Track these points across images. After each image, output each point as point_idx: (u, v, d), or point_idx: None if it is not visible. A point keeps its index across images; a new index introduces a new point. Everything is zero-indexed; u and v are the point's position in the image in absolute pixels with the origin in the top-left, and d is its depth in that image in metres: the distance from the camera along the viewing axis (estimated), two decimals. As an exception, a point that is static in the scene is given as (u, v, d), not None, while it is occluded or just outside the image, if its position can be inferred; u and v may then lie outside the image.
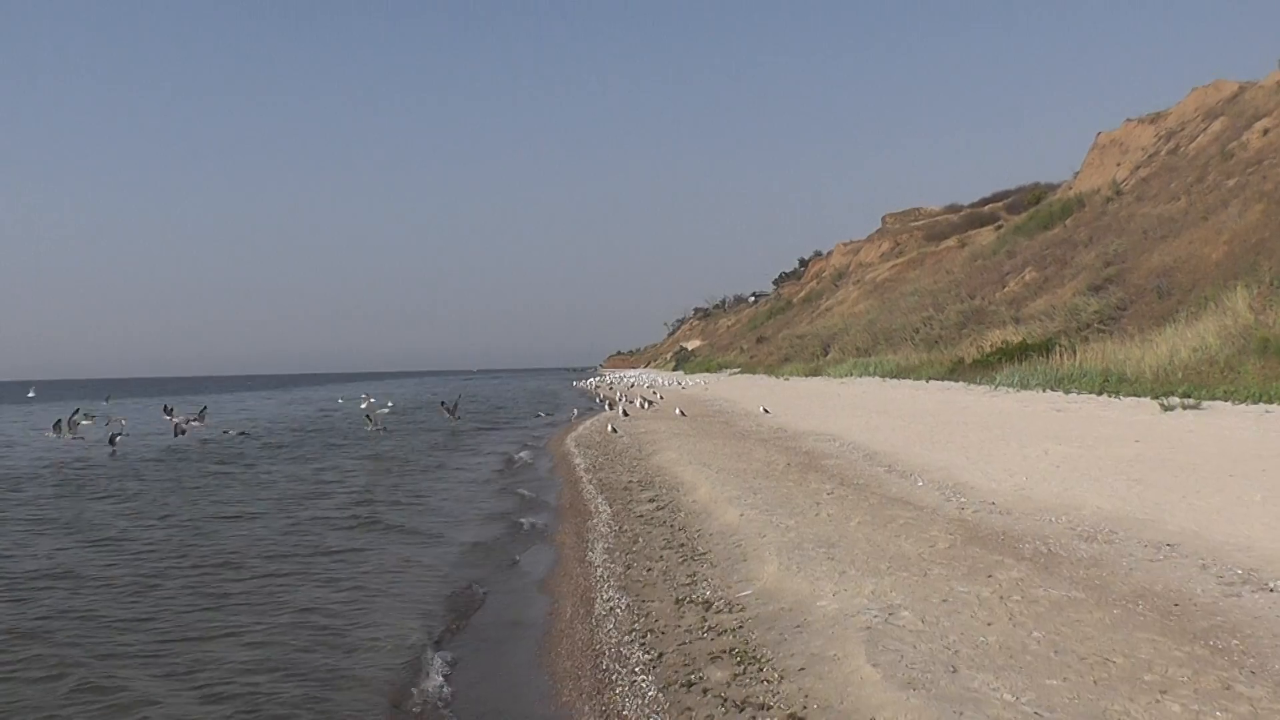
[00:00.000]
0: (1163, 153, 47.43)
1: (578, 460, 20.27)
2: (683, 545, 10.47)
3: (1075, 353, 29.30)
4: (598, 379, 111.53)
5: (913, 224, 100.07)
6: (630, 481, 15.87)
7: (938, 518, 10.69)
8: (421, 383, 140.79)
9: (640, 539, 11.16)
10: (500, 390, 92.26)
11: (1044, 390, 26.91)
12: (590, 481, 16.46)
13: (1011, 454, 15.08)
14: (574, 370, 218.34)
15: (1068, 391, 25.70)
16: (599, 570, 9.92)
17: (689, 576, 9.02)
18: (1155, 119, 55.05)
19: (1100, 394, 23.94)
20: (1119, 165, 55.43)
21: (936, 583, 7.57)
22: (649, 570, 9.55)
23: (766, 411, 29.88)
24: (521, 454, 23.58)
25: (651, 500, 13.64)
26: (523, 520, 13.96)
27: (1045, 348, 31.02)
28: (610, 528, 12.13)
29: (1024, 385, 28.52)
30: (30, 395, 71.38)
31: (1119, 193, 47.57)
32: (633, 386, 70.94)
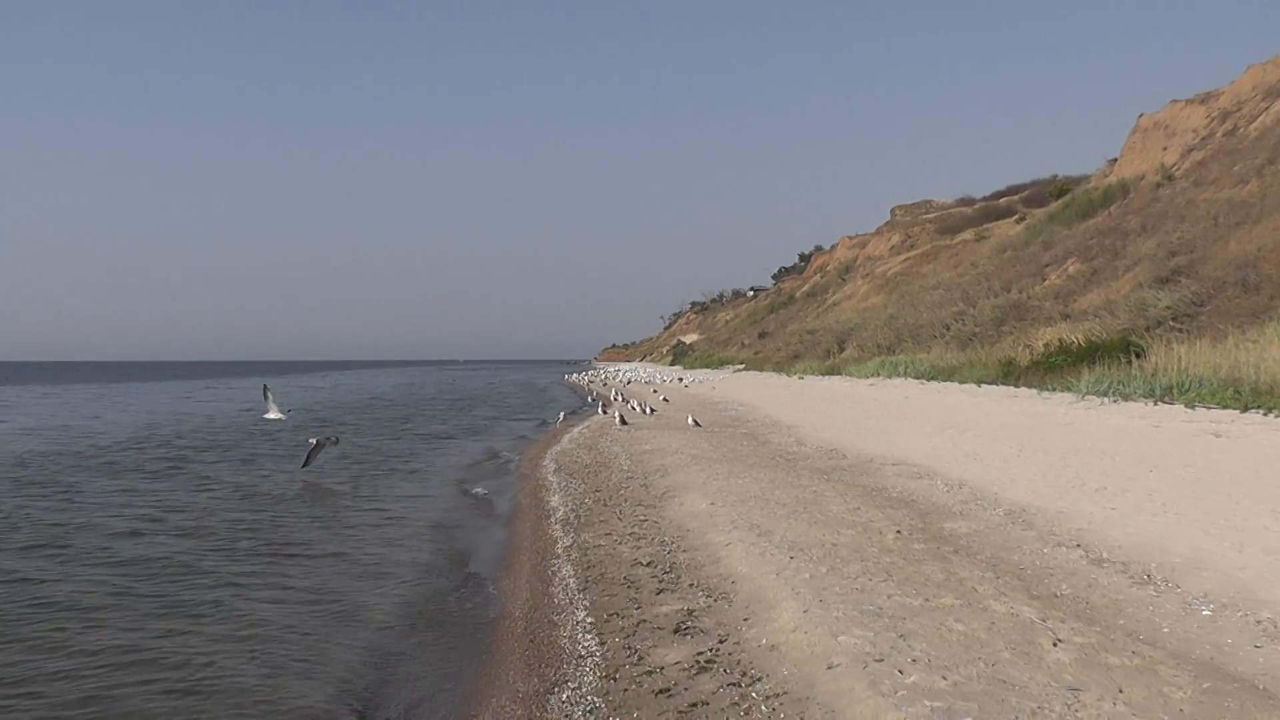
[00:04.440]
0: (1219, 134, 44.82)
1: (554, 501, 13.65)
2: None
3: (1149, 355, 24.11)
4: (591, 373, 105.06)
5: (924, 217, 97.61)
6: (637, 562, 9.23)
7: None
8: (399, 374, 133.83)
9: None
10: (484, 383, 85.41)
11: (1153, 403, 20.82)
12: (569, 557, 9.80)
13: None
14: (567, 363, 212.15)
15: (1190, 406, 19.67)
16: None
17: None
18: (1206, 99, 51.93)
19: (1244, 411, 17.99)
20: (1165, 149, 51.73)
21: None
22: None
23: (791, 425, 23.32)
24: (476, 489, 16.88)
25: (684, 631, 6.95)
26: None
27: (1120, 348, 25.53)
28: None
29: (1121, 394, 22.48)
30: None
31: (1170, 178, 43.75)
32: (630, 383, 64.63)
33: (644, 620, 7.33)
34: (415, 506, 14.58)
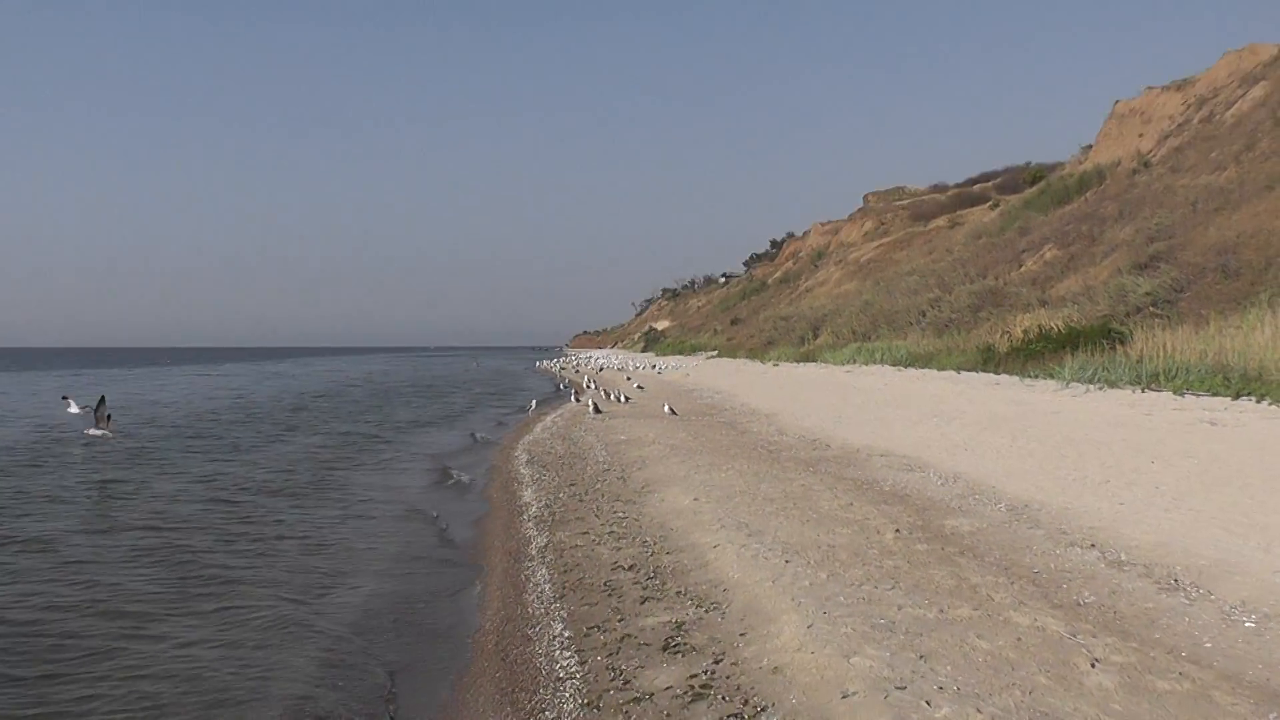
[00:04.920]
0: (1195, 121, 45.21)
1: (527, 495, 12.84)
2: None
3: (1132, 341, 23.83)
4: (563, 359, 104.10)
5: (897, 203, 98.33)
6: (618, 565, 8.46)
7: None
8: (368, 361, 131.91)
9: None
10: (455, 370, 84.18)
11: (1140, 390, 20.41)
12: (544, 559, 9.01)
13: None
14: (538, 350, 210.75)
15: (1179, 393, 19.24)
16: None
17: None
18: (1182, 86, 52.37)
19: (1235, 398, 17.58)
20: (1141, 136, 52.19)
21: None
22: None
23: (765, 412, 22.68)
24: (446, 480, 16.01)
25: (674, 648, 6.20)
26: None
27: (1102, 335, 25.20)
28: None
29: (1107, 381, 22.04)
30: None
31: (1147, 164, 44.02)
32: (602, 370, 63.85)
33: (629, 635, 6.58)
34: (380, 500, 13.72)
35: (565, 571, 8.46)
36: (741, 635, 6.27)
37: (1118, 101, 54.91)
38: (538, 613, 7.43)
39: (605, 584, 7.90)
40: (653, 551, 8.86)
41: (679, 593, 7.44)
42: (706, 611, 6.89)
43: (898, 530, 9.26)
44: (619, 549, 9.11)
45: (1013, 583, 7.26)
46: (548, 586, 8.01)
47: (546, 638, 6.80)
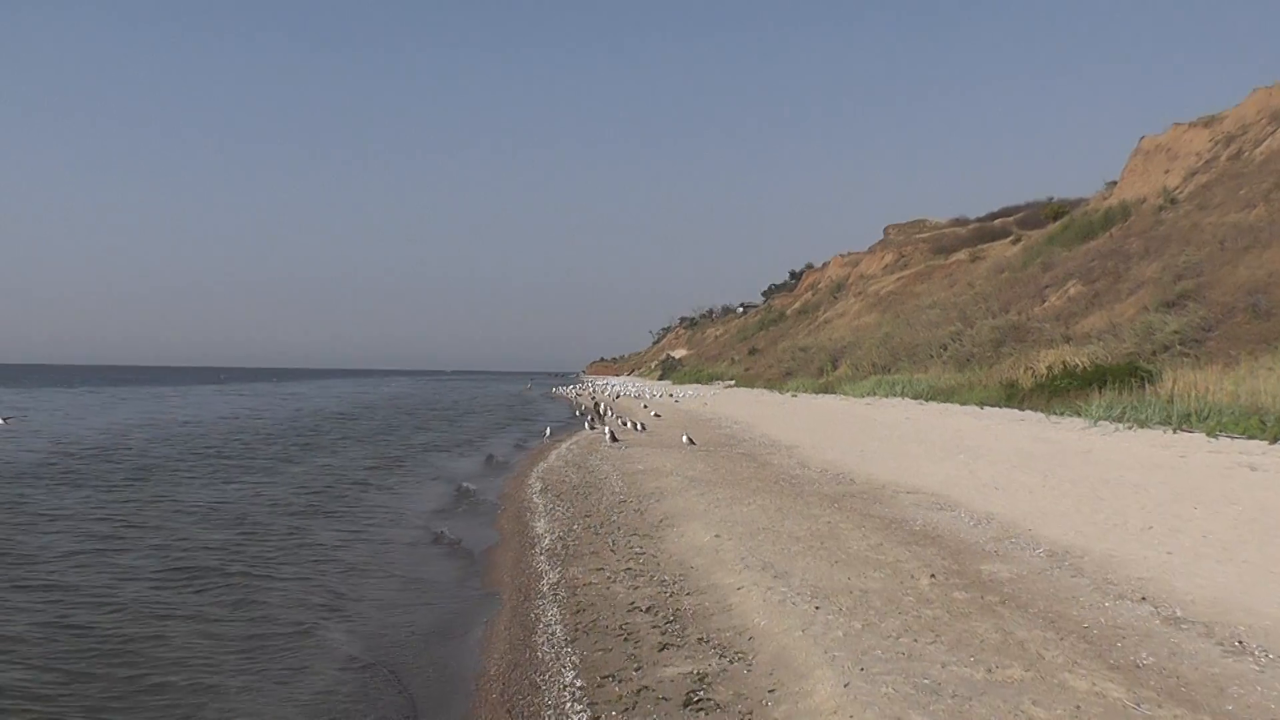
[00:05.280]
0: (1223, 158, 44.37)
1: (539, 527, 12.34)
2: None
3: (1160, 380, 23.14)
4: (580, 386, 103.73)
5: (918, 236, 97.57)
6: (634, 606, 7.94)
7: None
8: (386, 384, 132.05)
9: None
10: (471, 394, 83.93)
11: (1171, 430, 19.67)
12: (555, 597, 8.49)
13: None
14: (554, 376, 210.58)
15: (1213, 435, 18.47)
16: None
17: None
18: (1210, 122, 51.46)
19: (1274, 442, 16.83)
20: (1167, 172, 51.38)
21: None
22: None
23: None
24: (458, 506, 15.54)
25: (696, 704, 5.60)
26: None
27: (1129, 373, 24.47)
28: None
29: (1137, 421, 21.32)
30: None
31: (1173, 201, 43.31)
32: (618, 397, 63.36)
33: (646, 687, 6.06)
34: (387, 524, 13.28)
35: (578, 611, 7.95)
36: (770, 692, 5.74)
37: (1144, 137, 54.19)
38: (547, 657, 6.92)
39: (621, 627, 7.38)
40: (672, 592, 8.34)
41: (701, 640, 6.92)
42: (731, 662, 6.36)
43: (933, 575, 8.70)
44: (636, 588, 8.60)
45: (1062, 639, 6.70)
46: (559, 628, 7.50)
47: (556, 687, 6.29)
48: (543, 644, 7.28)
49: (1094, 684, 5.68)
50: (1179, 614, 7.37)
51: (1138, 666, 6.21)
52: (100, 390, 75.19)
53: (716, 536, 10.40)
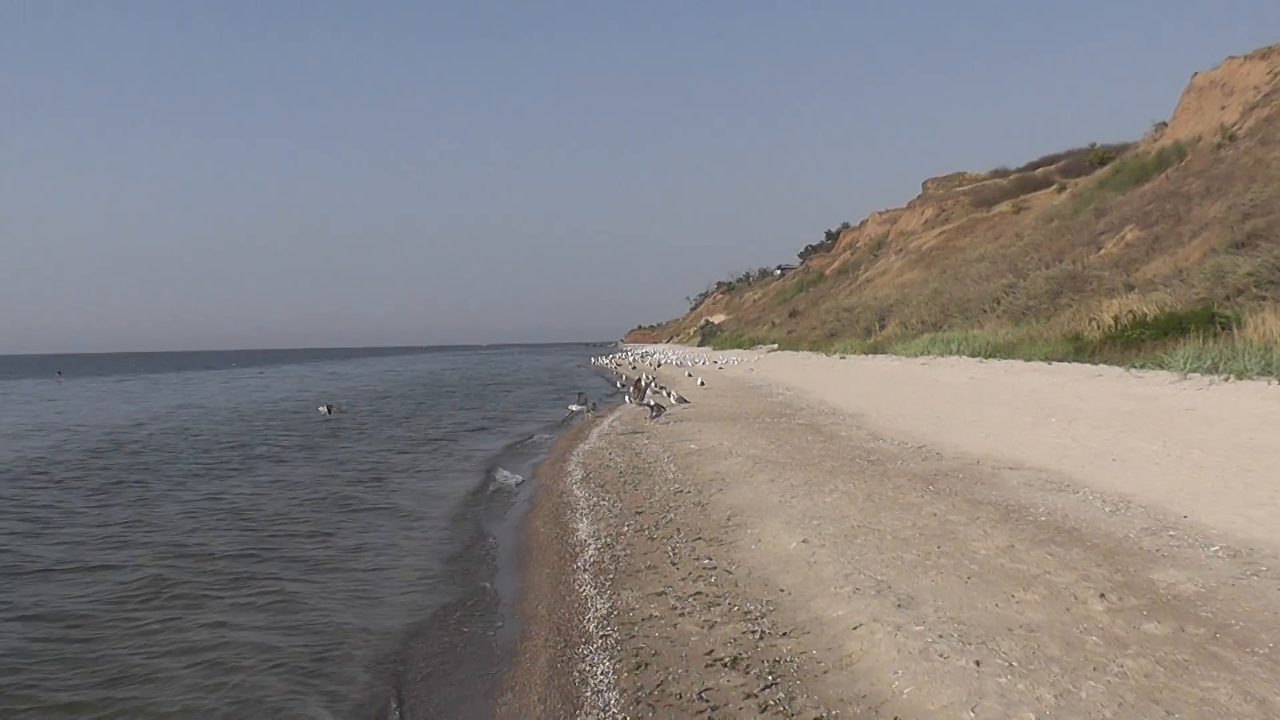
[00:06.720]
0: None
1: (582, 530, 10.25)
2: None
3: (1244, 326, 20.68)
4: (619, 355, 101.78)
5: (957, 189, 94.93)
6: (714, 657, 5.79)
7: None
8: (422, 361, 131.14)
9: None
10: (506, 367, 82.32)
11: (1276, 381, 17.15)
12: (606, 643, 6.35)
13: None
14: (593, 346, 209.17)
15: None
16: None
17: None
18: (1267, 54, 48.25)
19: None
20: (1224, 108, 48.17)
21: None
22: None
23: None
24: (489, 501, 13.53)
25: None
26: None
27: (1206, 319, 22.04)
28: None
29: (1234, 372, 18.72)
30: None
31: (1232, 138, 40.61)
32: (660, 366, 61.15)
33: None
34: (416, 519, 11.31)
35: (639, 668, 5.84)
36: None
37: (1196, 74, 50.84)
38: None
39: (700, 695, 5.28)
40: (762, 631, 6.21)
41: (819, 721, 4.79)
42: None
43: (1102, 595, 6.49)
44: (712, 624, 6.49)
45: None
46: (613, 700, 5.40)
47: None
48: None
49: None
50: None
51: None
52: (164, 377, 74.81)
53: (804, 542, 8.25)
